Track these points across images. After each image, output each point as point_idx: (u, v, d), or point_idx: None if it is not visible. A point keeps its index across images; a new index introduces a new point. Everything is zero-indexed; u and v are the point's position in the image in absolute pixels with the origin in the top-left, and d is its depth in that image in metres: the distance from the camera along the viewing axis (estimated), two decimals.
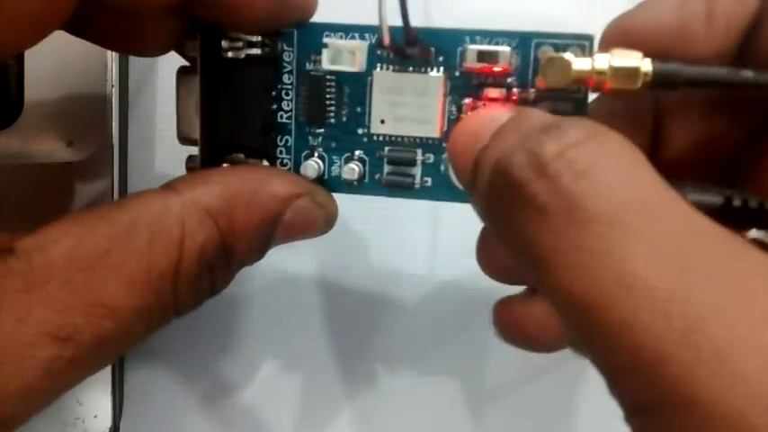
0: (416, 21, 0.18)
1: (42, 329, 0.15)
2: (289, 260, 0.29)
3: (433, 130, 0.19)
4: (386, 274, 0.29)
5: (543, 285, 0.13)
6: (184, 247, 0.17)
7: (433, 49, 0.19)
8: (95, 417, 0.28)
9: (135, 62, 0.28)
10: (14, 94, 0.25)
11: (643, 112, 0.19)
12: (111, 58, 0.26)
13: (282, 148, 0.20)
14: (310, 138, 0.20)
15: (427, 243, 0.29)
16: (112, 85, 0.26)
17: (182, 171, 0.21)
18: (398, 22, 0.18)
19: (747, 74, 0.16)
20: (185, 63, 0.21)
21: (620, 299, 0.12)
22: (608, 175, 0.13)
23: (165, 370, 0.30)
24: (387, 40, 0.18)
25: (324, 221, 0.20)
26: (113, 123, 0.26)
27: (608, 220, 0.12)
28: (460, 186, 0.19)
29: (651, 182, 0.13)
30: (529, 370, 0.30)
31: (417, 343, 0.30)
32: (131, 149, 0.29)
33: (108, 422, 0.28)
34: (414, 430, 0.30)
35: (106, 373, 0.27)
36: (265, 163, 0.20)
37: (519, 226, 0.13)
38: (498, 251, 0.20)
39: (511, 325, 0.20)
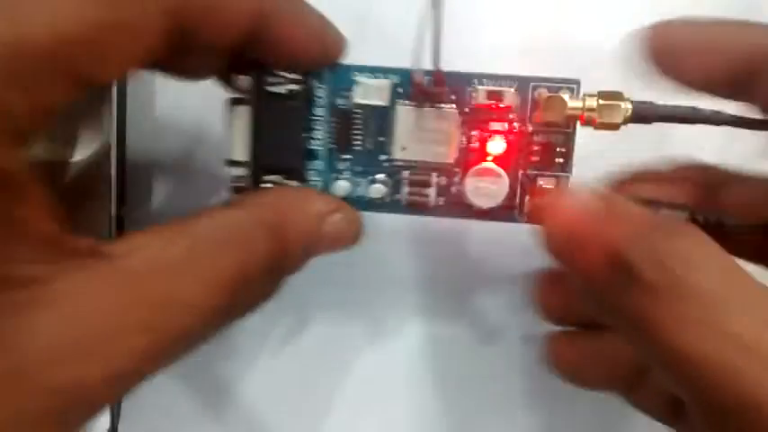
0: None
1: (130, 322, 0.17)
2: None
3: (447, 157, 0.23)
4: (388, 266, 0.30)
5: (654, 348, 0.16)
6: (251, 257, 0.19)
7: (447, 88, 0.22)
8: None
9: None
10: None
11: None
12: None
13: (313, 172, 0.23)
14: (339, 163, 0.23)
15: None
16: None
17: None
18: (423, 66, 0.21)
19: (706, 112, 0.21)
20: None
21: (744, 371, 0.15)
22: (704, 261, 0.16)
23: (164, 370, 0.30)
24: (419, 79, 0.21)
25: (353, 235, 0.23)
26: (112, 123, 0.27)
27: (711, 295, 0.16)
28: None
29: (734, 267, 0.17)
30: None
31: (424, 331, 0.30)
32: (130, 149, 0.29)
33: (106, 424, 0.28)
34: (417, 426, 0.31)
35: None
36: (297, 184, 0.23)
37: (633, 303, 0.17)
38: (556, 300, 0.23)
39: (563, 359, 0.23)
